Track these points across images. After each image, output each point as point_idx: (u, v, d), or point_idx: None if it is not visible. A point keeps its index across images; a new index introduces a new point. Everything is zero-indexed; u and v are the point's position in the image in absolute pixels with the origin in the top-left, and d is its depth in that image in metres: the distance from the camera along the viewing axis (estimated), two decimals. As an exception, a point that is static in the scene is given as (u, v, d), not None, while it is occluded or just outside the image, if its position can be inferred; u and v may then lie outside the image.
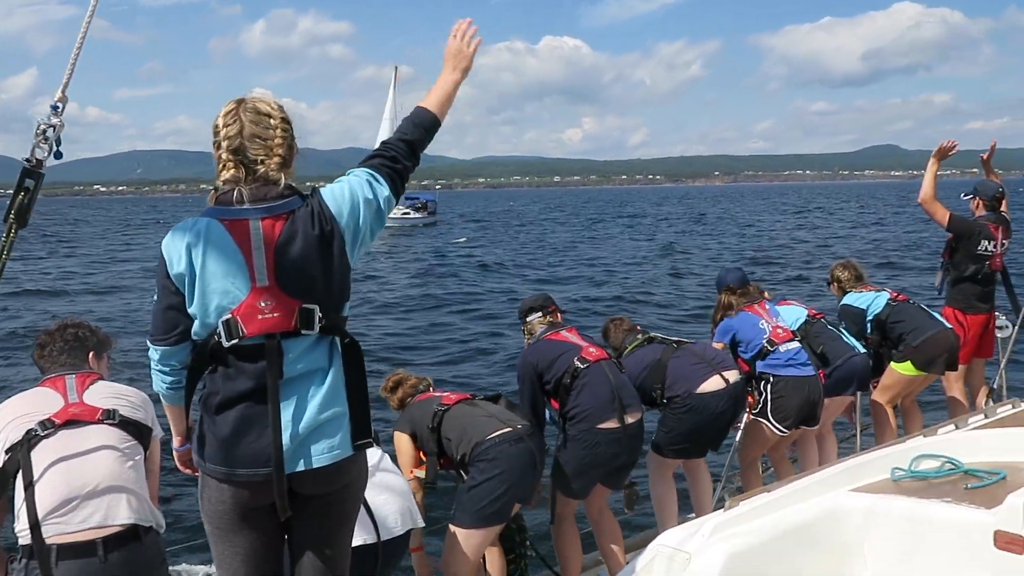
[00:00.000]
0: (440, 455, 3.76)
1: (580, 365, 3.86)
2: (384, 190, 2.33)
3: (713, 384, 4.20)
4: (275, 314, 2.15)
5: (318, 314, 2.19)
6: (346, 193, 2.27)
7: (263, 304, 2.14)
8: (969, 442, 3.11)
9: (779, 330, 4.73)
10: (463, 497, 3.62)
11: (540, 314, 4.17)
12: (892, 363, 5.40)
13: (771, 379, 4.64)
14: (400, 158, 2.40)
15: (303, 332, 2.18)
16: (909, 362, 5.32)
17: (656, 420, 4.44)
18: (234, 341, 2.14)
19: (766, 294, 5.16)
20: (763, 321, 4.74)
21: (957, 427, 3.48)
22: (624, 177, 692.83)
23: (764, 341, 4.66)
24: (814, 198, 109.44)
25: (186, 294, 2.18)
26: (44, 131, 2.41)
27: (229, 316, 2.15)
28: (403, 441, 3.88)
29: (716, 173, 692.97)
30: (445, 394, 3.98)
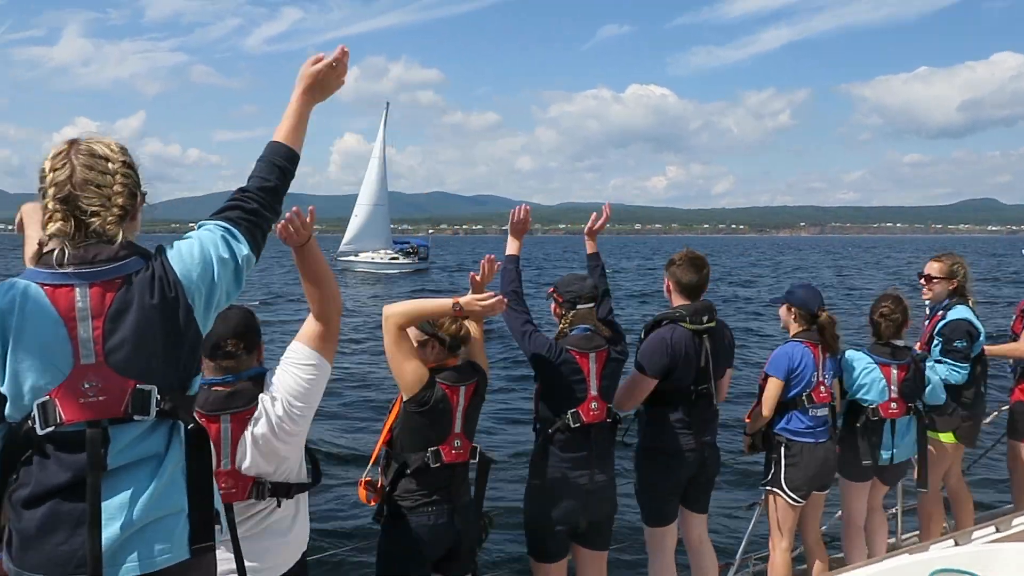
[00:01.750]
0: None
1: None
2: (243, 247, 2.07)
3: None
4: (100, 397, 1.84)
5: (156, 396, 1.89)
6: (195, 252, 2.00)
7: (87, 385, 1.84)
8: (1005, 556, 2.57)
9: (822, 387, 4.15)
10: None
11: (591, 306, 3.68)
12: (933, 432, 4.66)
13: (786, 443, 4.16)
14: (261, 208, 2.15)
15: (135, 418, 1.87)
16: (952, 433, 4.72)
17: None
18: (49, 429, 1.82)
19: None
20: (815, 372, 4.14)
21: (998, 529, 3.06)
22: (707, 226, 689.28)
23: (804, 396, 4.11)
24: (908, 250, 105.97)
25: None
26: None
27: (46, 398, 1.83)
28: None
29: (802, 224, 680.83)
30: None
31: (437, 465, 3.15)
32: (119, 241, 1.91)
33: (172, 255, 1.98)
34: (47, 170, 1.92)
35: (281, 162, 2.22)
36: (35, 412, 1.83)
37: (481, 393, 3.36)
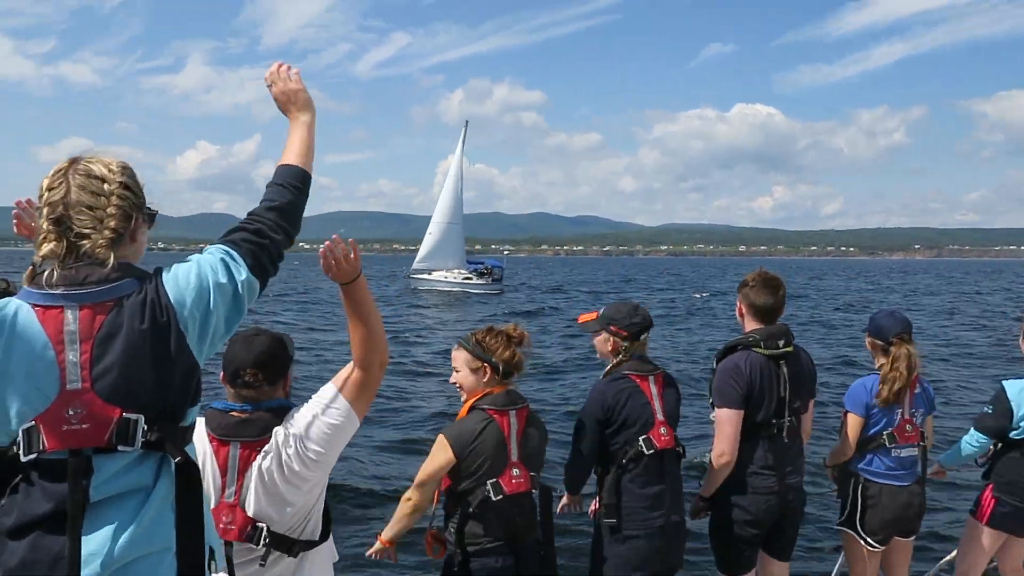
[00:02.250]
0: None
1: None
2: (242, 271, 1.95)
3: None
4: (84, 425, 1.75)
5: (142, 426, 1.78)
6: (192, 277, 1.89)
7: (71, 412, 1.75)
8: None
9: (908, 426, 3.79)
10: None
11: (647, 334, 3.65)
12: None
13: (864, 483, 3.84)
14: (267, 230, 2.03)
15: (120, 448, 1.77)
16: None
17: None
18: (32, 456, 1.74)
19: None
20: (899, 408, 3.79)
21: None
22: (814, 248, 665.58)
23: (885, 433, 3.78)
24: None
25: None
26: None
27: (31, 423, 1.75)
28: None
29: (916, 246, 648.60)
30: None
31: (499, 498, 3.03)
32: (111, 263, 1.83)
33: (167, 278, 1.88)
34: (44, 188, 1.87)
35: (291, 180, 2.14)
36: (20, 438, 1.75)
37: (536, 421, 3.23)
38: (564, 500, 3.78)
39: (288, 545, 2.36)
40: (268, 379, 2.42)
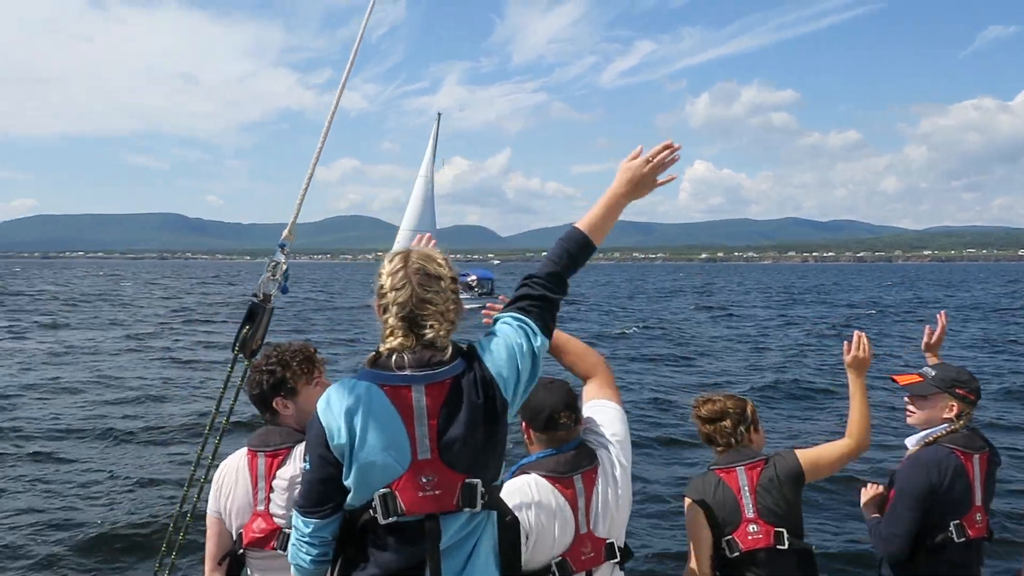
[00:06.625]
0: None
1: None
2: (539, 339, 2.20)
3: None
4: (436, 491, 2.01)
5: (481, 489, 2.05)
6: (503, 353, 2.14)
7: (424, 480, 2.01)
8: None
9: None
10: None
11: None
12: None
13: None
14: (548, 293, 2.27)
15: (465, 509, 2.04)
16: None
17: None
18: (391, 519, 2.00)
19: None
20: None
21: None
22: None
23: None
24: None
25: (344, 464, 2.05)
26: (273, 268, 2.68)
27: (387, 490, 2.01)
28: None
29: None
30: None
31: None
32: (449, 349, 2.08)
33: (484, 355, 2.12)
34: (387, 288, 2.09)
35: (575, 250, 2.31)
36: (376, 503, 1.99)
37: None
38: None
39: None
40: (576, 418, 2.59)
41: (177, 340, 25.06)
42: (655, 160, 2.34)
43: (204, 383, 16.29)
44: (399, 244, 44.55)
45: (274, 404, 2.79)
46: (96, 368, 18.53)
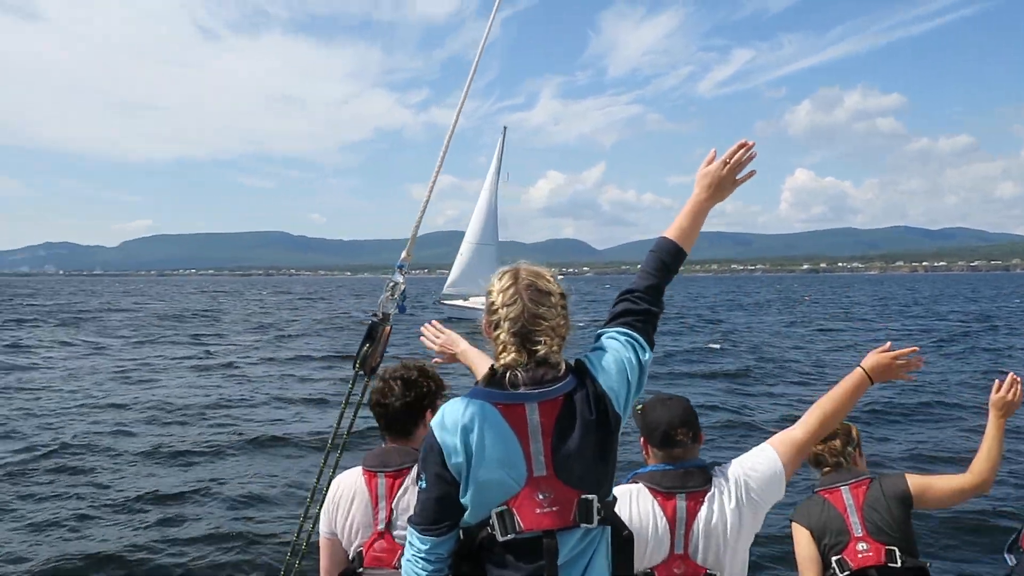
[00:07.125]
0: None
1: None
2: (646, 352, 2.22)
3: None
4: (553, 508, 2.02)
5: (597, 504, 2.05)
6: (612, 368, 2.16)
7: (541, 496, 2.02)
8: None
9: None
10: None
11: None
12: None
13: None
14: (649, 307, 2.29)
15: (582, 525, 2.04)
16: None
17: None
18: (509, 536, 2.01)
19: None
20: None
21: None
22: None
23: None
24: None
25: (461, 483, 2.06)
26: (392, 288, 2.74)
27: (504, 508, 2.02)
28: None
29: None
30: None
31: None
32: (562, 366, 2.09)
33: (596, 372, 2.13)
34: (498, 304, 2.12)
35: (668, 259, 2.34)
36: (494, 520, 2.01)
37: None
38: None
39: None
40: (694, 436, 2.62)
41: (273, 355, 25.11)
42: (732, 161, 2.35)
43: (313, 398, 16.24)
44: (462, 256, 46.72)
45: (427, 416, 2.81)
46: (194, 383, 18.58)
